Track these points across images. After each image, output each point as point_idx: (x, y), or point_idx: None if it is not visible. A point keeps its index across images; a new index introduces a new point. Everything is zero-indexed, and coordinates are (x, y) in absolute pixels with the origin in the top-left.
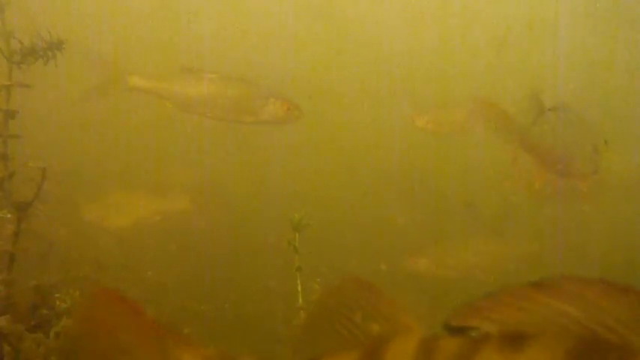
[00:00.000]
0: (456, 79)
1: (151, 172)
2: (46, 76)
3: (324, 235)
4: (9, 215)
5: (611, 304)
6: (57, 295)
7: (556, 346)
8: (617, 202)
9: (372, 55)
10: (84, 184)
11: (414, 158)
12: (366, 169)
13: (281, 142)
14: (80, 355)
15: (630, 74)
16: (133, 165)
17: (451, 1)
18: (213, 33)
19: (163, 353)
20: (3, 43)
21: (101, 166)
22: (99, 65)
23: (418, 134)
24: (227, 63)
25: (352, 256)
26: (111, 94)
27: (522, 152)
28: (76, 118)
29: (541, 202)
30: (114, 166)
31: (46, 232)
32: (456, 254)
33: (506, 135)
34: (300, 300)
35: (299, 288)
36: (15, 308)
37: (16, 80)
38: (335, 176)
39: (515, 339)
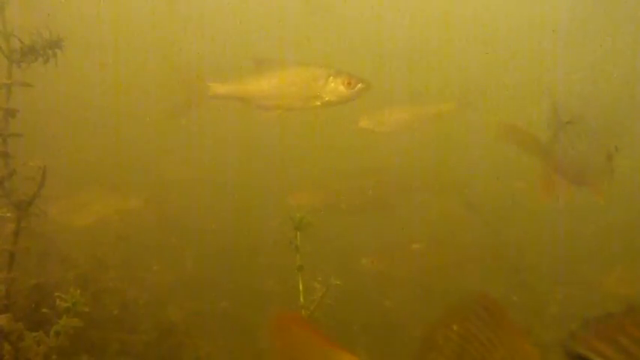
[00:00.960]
0: (455, 79)
1: (149, 169)
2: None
3: (325, 234)
4: (9, 214)
5: None
6: (57, 293)
7: None
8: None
9: (375, 52)
10: (82, 183)
11: (415, 157)
12: (367, 167)
13: (283, 141)
14: None
15: (630, 74)
16: (130, 164)
17: (452, 1)
18: (212, 32)
19: None
20: (3, 42)
21: (98, 164)
22: (180, 77)
23: (418, 133)
24: (227, 62)
25: (354, 255)
26: (196, 107)
27: (549, 168)
28: (76, 117)
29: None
30: (107, 164)
31: (45, 231)
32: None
33: (534, 154)
34: (302, 299)
35: (300, 287)
36: (15, 307)
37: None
38: (335, 175)
39: None
